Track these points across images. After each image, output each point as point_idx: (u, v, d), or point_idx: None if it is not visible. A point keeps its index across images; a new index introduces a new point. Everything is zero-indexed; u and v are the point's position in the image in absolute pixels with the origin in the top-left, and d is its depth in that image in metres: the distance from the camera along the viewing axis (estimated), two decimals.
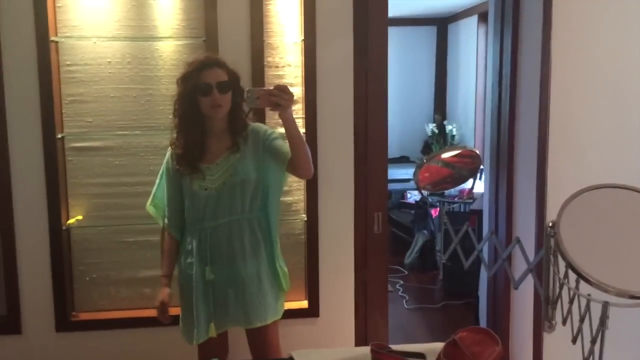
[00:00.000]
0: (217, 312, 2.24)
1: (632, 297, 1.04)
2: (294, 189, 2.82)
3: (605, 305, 1.07)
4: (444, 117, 6.80)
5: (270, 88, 2.08)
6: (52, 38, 2.59)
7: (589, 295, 1.11)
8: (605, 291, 1.06)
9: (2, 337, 2.71)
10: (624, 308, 1.08)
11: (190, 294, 2.24)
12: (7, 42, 2.56)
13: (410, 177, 5.87)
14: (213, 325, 2.22)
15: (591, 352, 1.09)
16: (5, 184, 2.61)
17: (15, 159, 2.61)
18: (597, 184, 1.19)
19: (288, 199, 2.82)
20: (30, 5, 2.54)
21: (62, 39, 2.63)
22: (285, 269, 2.36)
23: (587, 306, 1.11)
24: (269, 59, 2.73)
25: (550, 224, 1.19)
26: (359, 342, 2.89)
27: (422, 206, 5.44)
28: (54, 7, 2.59)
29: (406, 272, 5.25)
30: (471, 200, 4.54)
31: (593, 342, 1.09)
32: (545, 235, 1.20)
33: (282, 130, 2.20)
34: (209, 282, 2.22)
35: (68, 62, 2.64)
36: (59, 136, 2.64)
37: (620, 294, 1.05)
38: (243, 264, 2.22)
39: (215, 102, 2.14)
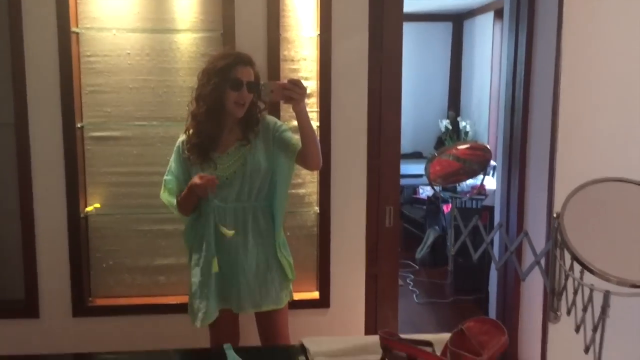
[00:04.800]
0: (222, 294, 2.29)
1: (633, 285, 1.07)
2: (307, 182, 2.86)
3: (607, 294, 1.10)
4: (457, 114, 6.80)
5: (284, 82, 2.13)
6: (73, 29, 2.64)
7: (591, 285, 1.15)
8: (607, 280, 1.09)
9: (20, 320, 2.77)
10: (628, 299, 1.10)
11: (197, 277, 2.29)
12: (30, 33, 2.62)
13: (423, 172, 5.89)
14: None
15: (592, 340, 1.12)
16: (26, 172, 2.68)
17: (35, 147, 2.68)
18: (601, 177, 1.22)
19: (301, 191, 2.86)
20: None
21: (83, 30, 2.68)
22: (290, 259, 2.40)
23: (590, 296, 1.14)
24: (285, 53, 2.77)
25: (555, 215, 1.22)
26: (369, 333, 2.93)
27: (434, 202, 5.46)
28: None
29: (417, 267, 5.28)
30: (483, 196, 4.56)
31: (594, 330, 1.12)
32: (552, 227, 1.23)
33: (294, 123, 2.24)
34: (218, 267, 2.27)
35: (88, 53, 2.70)
36: (79, 125, 2.70)
37: (621, 282, 1.08)
38: (245, 250, 2.28)
39: (242, 99, 2.20)
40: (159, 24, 2.71)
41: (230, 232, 2.22)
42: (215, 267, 2.24)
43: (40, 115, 2.67)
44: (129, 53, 2.71)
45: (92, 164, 2.76)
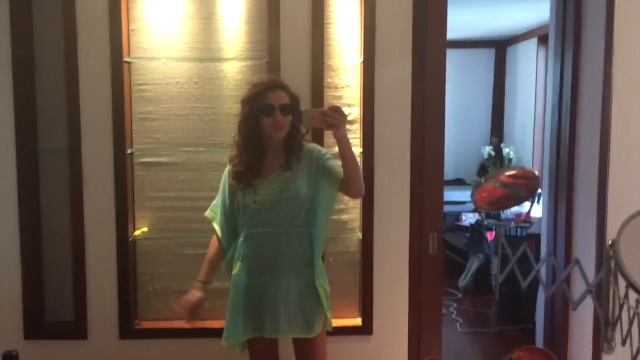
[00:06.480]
0: (253, 318, 2.30)
1: None
2: (350, 207, 2.87)
3: None
4: (501, 140, 6.73)
5: (325, 109, 2.16)
6: (125, 59, 2.74)
7: None
8: None
9: (69, 342, 2.84)
10: None
11: (234, 300, 2.32)
12: (84, 63, 2.72)
13: (465, 199, 5.83)
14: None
15: None
16: (78, 197, 2.77)
17: (87, 172, 2.76)
18: None
19: (344, 217, 2.86)
20: (106, 28, 2.71)
21: (135, 60, 2.78)
22: (327, 289, 2.36)
23: None
24: (329, 80, 2.81)
25: (610, 243, 1.19)
26: None
27: (477, 229, 5.38)
28: (128, 30, 2.75)
29: (460, 296, 5.19)
30: (528, 224, 4.48)
31: None
32: (606, 255, 1.21)
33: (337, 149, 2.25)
34: (248, 288, 2.29)
35: (139, 82, 2.79)
36: (129, 151, 2.78)
37: None
38: (279, 275, 2.28)
39: (277, 123, 2.23)
40: (206, 53, 2.79)
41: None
42: (236, 270, 2.30)
43: (93, 141, 2.76)
44: (177, 81, 2.79)
45: (140, 189, 2.83)
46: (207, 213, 2.46)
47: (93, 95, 2.74)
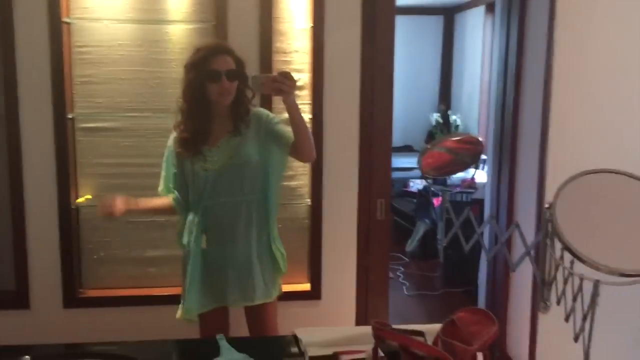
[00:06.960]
0: (213, 289, 2.30)
1: (622, 274, 1.10)
2: (299, 174, 2.87)
3: (597, 283, 1.12)
4: (448, 107, 6.83)
5: (274, 74, 2.13)
6: (64, 19, 2.63)
7: (581, 274, 1.17)
8: (597, 269, 1.12)
9: (11, 311, 2.77)
10: (618, 287, 1.13)
11: (192, 273, 2.28)
12: (20, 23, 2.60)
13: (413, 166, 5.91)
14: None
15: (582, 329, 1.15)
16: (17, 163, 2.67)
17: (26, 138, 2.66)
18: (592, 168, 1.24)
19: (293, 183, 2.86)
20: None
21: (74, 21, 2.66)
22: (283, 251, 2.40)
23: (580, 285, 1.17)
24: (277, 45, 2.77)
25: (547, 206, 1.24)
26: (360, 325, 2.95)
27: (424, 195, 5.48)
28: None
29: (407, 260, 5.31)
30: (473, 190, 4.59)
31: (584, 319, 1.15)
32: (543, 217, 1.25)
33: (286, 115, 2.24)
34: (206, 259, 2.27)
35: (79, 44, 2.68)
36: (70, 116, 2.69)
37: (610, 272, 1.10)
38: (237, 243, 2.27)
39: (224, 89, 2.18)
40: (151, 15, 2.70)
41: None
42: (204, 243, 2.25)
43: (31, 106, 2.65)
44: (120, 44, 2.70)
45: (83, 155, 2.75)
46: (161, 192, 2.38)
47: (31, 57, 2.62)
